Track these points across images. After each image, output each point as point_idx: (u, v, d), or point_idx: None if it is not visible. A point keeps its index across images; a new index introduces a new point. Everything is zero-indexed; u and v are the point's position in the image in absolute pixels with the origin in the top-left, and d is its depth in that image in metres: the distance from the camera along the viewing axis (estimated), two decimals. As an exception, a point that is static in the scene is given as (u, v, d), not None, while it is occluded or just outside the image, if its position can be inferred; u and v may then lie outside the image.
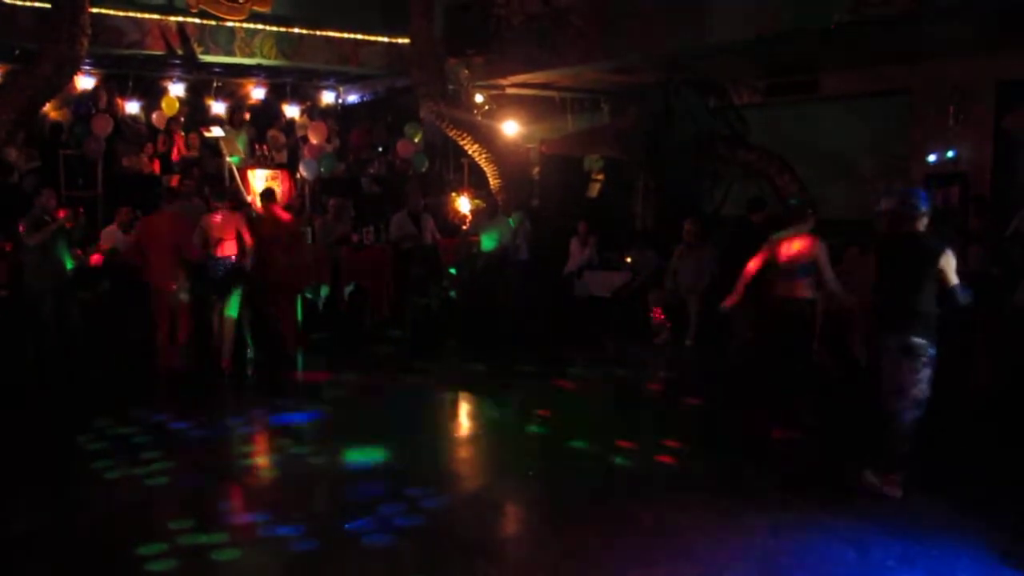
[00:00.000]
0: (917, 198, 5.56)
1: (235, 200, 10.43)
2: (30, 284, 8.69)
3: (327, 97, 15.58)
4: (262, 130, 14.56)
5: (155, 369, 9.04)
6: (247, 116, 14.46)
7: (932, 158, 11.36)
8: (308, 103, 15.33)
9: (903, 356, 5.46)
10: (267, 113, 14.97)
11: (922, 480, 6.01)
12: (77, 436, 6.82)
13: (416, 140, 14.68)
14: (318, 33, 13.27)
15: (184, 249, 9.01)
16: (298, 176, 14.05)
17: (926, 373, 5.43)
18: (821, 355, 8.04)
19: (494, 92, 14.28)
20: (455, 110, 13.04)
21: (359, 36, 13.69)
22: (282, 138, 14.59)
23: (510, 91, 14.32)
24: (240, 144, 13.86)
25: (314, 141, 14.07)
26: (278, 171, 13.99)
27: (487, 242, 11.56)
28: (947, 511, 5.37)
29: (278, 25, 12.87)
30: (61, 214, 9.09)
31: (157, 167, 13.24)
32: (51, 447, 6.72)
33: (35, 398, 8.29)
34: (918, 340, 5.42)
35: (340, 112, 15.77)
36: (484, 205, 12.67)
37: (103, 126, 12.51)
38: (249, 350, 9.55)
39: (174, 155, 13.56)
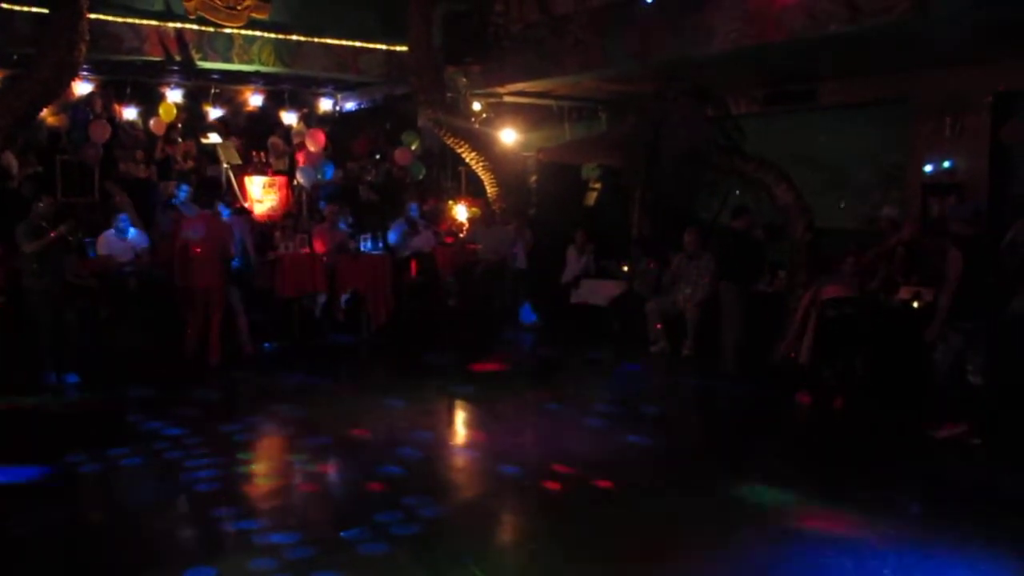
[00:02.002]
0: None
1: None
2: (28, 290, 8.66)
3: (325, 104, 15.58)
4: (261, 137, 14.56)
5: (150, 373, 9.09)
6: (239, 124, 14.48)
7: (929, 168, 11.38)
8: (306, 110, 15.34)
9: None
10: (265, 120, 14.98)
11: (918, 488, 6.04)
12: (74, 442, 6.80)
13: (414, 148, 14.70)
14: (316, 40, 13.28)
15: (225, 249, 9.75)
16: (295, 183, 14.05)
17: None
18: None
19: (492, 100, 14.30)
20: (453, 118, 13.05)
21: (358, 43, 13.69)
22: (282, 145, 14.59)
23: (508, 99, 14.33)
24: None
25: (311, 148, 14.08)
26: (275, 178, 13.99)
27: None
28: (943, 519, 5.37)
29: (276, 32, 12.88)
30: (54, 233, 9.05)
31: (154, 173, 13.24)
32: (48, 454, 6.67)
33: (32, 404, 8.25)
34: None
35: (337, 119, 15.77)
36: (481, 213, 12.69)
37: (101, 132, 12.51)
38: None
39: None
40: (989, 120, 10.83)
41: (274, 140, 14.54)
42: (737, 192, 11.49)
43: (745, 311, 9.46)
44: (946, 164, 11.23)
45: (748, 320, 9.47)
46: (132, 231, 10.33)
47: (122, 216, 10.27)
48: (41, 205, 8.78)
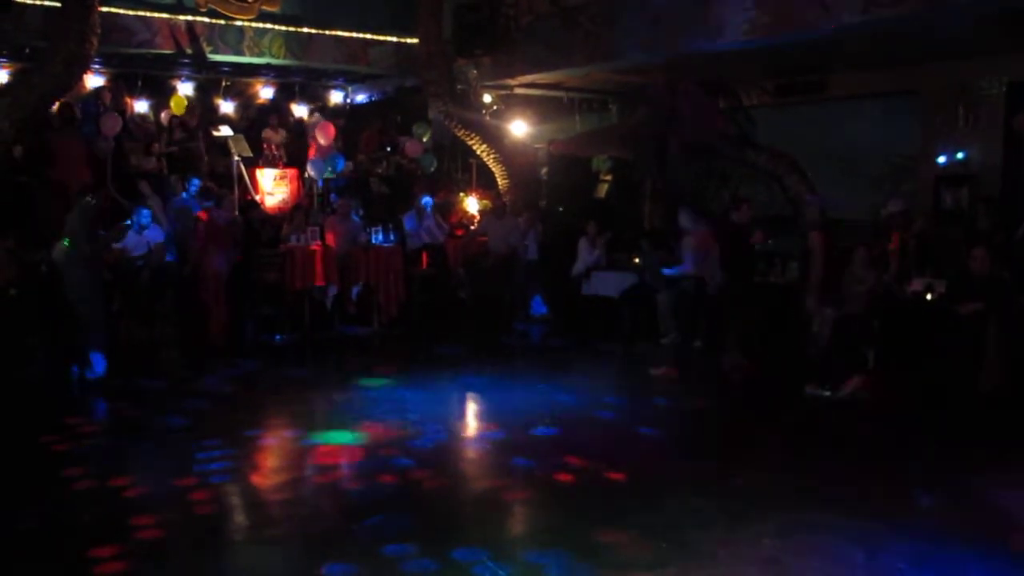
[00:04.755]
0: None
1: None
2: (75, 283, 8.56)
3: (336, 97, 15.58)
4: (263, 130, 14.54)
5: (161, 365, 9.18)
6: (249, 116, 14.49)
7: (941, 159, 11.33)
8: (317, 103, 15.32)
9: None
10: (267, 112, 14.91)
11: (932, 480, 6.02)
12: (87, 434, 6.84)
13: (425, 140, 14.68)
14: (327, 33, 13.29)
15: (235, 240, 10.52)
16: (306, 176, 14.03)
17: None
18: None
19: (502, 92, 14.28)
20: (463, 110, 13.05)
21: (368, 36, 13.71)
22: (276, 138, 14.48)
23: (518, 91, 14.31)
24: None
25: (321, 141, 14.04)
26: (287, 170, 13.98)
27: None
28: (957, 511, 5.35)
29: (287, 24, 12.90)
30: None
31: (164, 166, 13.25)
32: (56, 448, 6.71)
33: (43, 399, 8.29)
34: None
35: (348, 112, 15.77)
36: (492, 205, 12.69)
37: (112, 125, 12.52)
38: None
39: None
40: (1002, 110, 10.78)
41: (267, 132, 14.41)
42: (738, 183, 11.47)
43: (747, 303, 9.39)
44: (959, 155, 11.18)
45: (754, 312, 9.40)
46: (151, 226, 10.31)
47: (143, 211, 10.25)
48: (93, 202, 8.74)
